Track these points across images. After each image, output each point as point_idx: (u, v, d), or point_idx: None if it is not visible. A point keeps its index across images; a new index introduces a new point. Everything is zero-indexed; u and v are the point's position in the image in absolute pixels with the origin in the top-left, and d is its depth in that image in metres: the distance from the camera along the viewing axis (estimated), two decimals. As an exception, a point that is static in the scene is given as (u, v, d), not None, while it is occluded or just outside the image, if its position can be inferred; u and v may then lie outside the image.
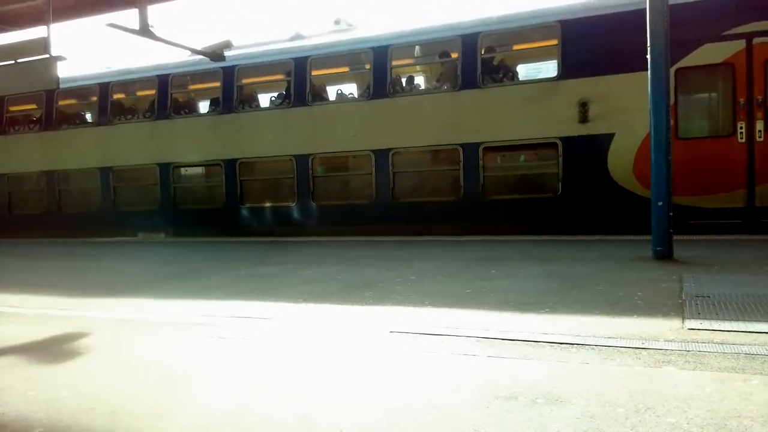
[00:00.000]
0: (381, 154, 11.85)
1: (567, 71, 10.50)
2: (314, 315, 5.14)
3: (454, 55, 11.54)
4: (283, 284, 6.68)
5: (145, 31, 10.49)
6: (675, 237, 7.06)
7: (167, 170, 13.89)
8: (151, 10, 10.62)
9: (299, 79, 12.57)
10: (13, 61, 11.23)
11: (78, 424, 2.95)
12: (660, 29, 6.93)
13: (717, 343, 3.76)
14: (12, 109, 16.09)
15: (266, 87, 14.12)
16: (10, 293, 6.94)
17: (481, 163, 11.08)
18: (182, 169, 14.13)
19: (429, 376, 3.42)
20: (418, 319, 4.75)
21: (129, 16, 10.98)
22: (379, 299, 5.56)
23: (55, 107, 15.27)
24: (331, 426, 2.78)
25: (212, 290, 6.52)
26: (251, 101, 13.67)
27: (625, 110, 9.96)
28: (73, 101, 15.80)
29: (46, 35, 10.87)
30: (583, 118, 10.32)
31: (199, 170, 14.33)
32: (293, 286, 6.51)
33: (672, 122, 7.32)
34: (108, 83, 14.62)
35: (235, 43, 12.87)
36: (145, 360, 4.09)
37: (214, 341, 4.44)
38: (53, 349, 4.50)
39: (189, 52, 11.96)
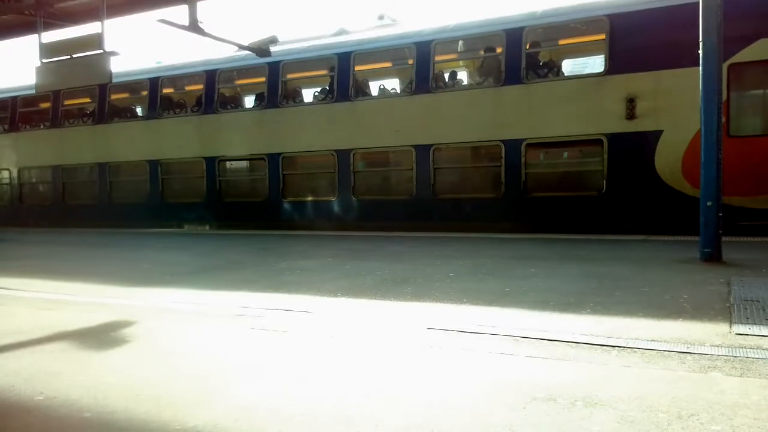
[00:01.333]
0: (422, 150, 11.83)
1: (614, 66, 10.27)
2: (352, 309, 5.18)
3: (498, 50, 11.42)
4: (322, 278, 6.75)
5: (194, 26, 10.74)
6: (724, 238, 6.85)
7: (213, 163, 14.20)
8: (200, 6, 10.87)
9: (342, 74, 12.65)
10: (69, 56, 11.66)
11: (124, 409, 3.05)
12: (713, 23, 6.70)
13: (766, 349, 3.64)
14: (66, 102, 16.69)
15: (310, 82, 14.28)
16: (63, 281, 7.23)
17: (523, 159, 10.95)
18: (227, 163, 14.42)
19: (466, 375, 3.42)
20: (456, 316, 4.74)
21: (179, 12, 11.25)
22: (417, 295, 5.57)
23: (107, 101, 15.77)
24: (367, 421, 2.80)
25: (254, 282, 6.65)
26: (295, 96, 13.83)
27: (674, 107, 9.69)
28: (124, 95, 16.30)
29: (100, 31, 11.24)
30: (631, 115, 10.09)
31: (244, 164, 14.61)
32: (332, 280, 6.58)
33: (723, 120, 7.08)
34: (158, 78, 15.02)
35: (280, 39, 13.04)
36: (189, 349, 4.21)
37: (255, 332, 4.54)
38: (102, 336, 4.67)
39: (236, 48, 12.16)
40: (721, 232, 6.77)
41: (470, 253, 8.52)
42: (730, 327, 4.12)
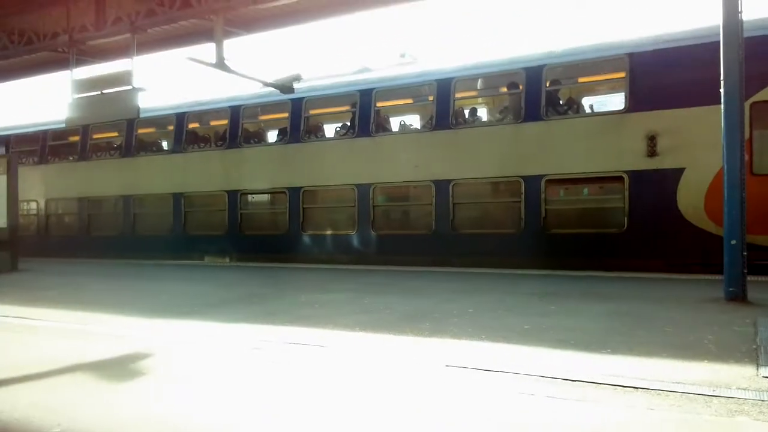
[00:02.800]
0: (442, 185, 11.86)
1: (635, 104, 10.27)
2: (370, 344, 5.14)
3: (518, 88, 11.49)
4: (340, 312, 6.73)
5: (221, 64, 11.03)
6: (749, 278, 6.70)
7: (235, 197, 14.37)
8: (226, 44, 11.17)
9: (364, 110, 12.83)
10: (99, 92, 12.02)
11: (140, 442, 3.05)
12: (735, 62, 6.70)
13: (796, 394, 3.53)
14: (94, 136, 17.11)
15: (332, 118, 14.49)
16: (84, 311, 7.30)
17: (543, 195, 10.91)
18: (249, 196, 14.59)
19: (485, 414, 3.36)
20: (475, 353, 4.68)
21: (206, 50, 11.58)
22: (436, 331, 5.52)
23: (133, 135, 16.13)
24: (382, 459, 2.77)
25: (272, 315, 6.64)
26: (317, 131, 14.03)
27: (696, 145, 9.64)
28: (150, 130, 16.66)
29: (130, 68, 11.60)
30: (652, 152, 10.04)
31: (265, 197, 14.76)
32: (351, 314, 6.56)
33: (747, 158, 7.01)
34: (184, 113, 15.35)
35: (304, 76, 13.30)
36: (205, 383, 4.21)
37: (273, 367, 4.52)
38: (120, 368, 4.69)
39: (260, 85, 12.42)
40: (746, 271, 6.63)
41: (489, 289, 8.45)
42: (758, 370, 4.00)
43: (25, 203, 17.51)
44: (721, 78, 6.80)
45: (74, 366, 4.75)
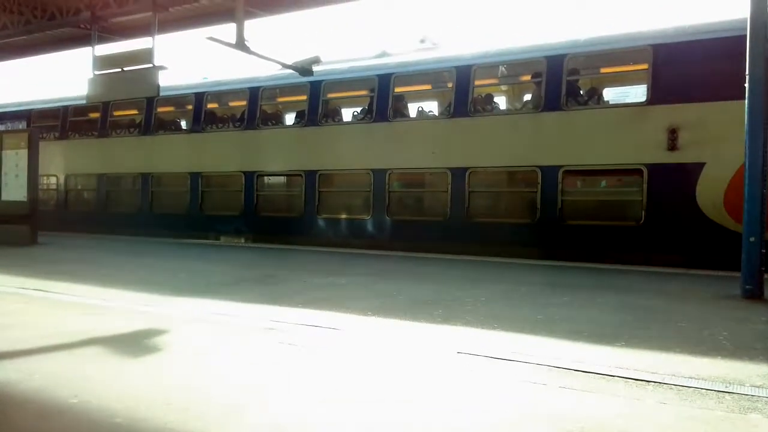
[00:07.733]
0: (458, 173, 11.82)
1: (657, 96, 10.13)
2: (382, 329, 5.18)
3: (539, 77, 11.37)
4: (353, 296, 6.77)
5: (240, 45, 11.01)
6: (766, 276, 6.64)
7: (252, 178, 14.43)
8: (247, 24, 11.15)
9: (382, 95, 12.77)
10: (120, 69, 12.08)
11: (154, 417, 3.11)
12: (760, 56, 6.58)
13: (810, 394, 3.50)
14: (114, 113, 17.23)
15: (350, 102, 14.45)
16: (103, 287, 7.41)
17: (560, 186, 10.83)
18: (265, 178, 14.64)
19: (497, 402, 3.38)
20: (487, 341, 4.70)
21: (227, 30, 11.57)
22: (448, 318, 5.54)
23: (153, 113, 16.22)
24: (394, 442, 2.80)
25: (285, 297, 6.70)
26: (335, 115, 14.01)
27: (717, 139, 9.50)
28: (169, 108, 16.73)
29: (151, 46, 11.64)
30: (672, 146, 9.92)
31: (281, 179, 14.80)
32: (363, 298, 6.59)
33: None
34: (203, 93, 15.39)
35: (323, 59, 13.25)
36: (219, 361, 4.27)
37: (284, 347, 4.57)
38: (137, 343, 4.77)
39: (279, 66, 12.40)
40: (763, 269, 6.58)
41: (503, 278, 8.44)
42: (772, 368, 3.98)
43: (45, 178, 17.70)
44: (746, 73, 6.70)
45: (92, 339, 4.84)
